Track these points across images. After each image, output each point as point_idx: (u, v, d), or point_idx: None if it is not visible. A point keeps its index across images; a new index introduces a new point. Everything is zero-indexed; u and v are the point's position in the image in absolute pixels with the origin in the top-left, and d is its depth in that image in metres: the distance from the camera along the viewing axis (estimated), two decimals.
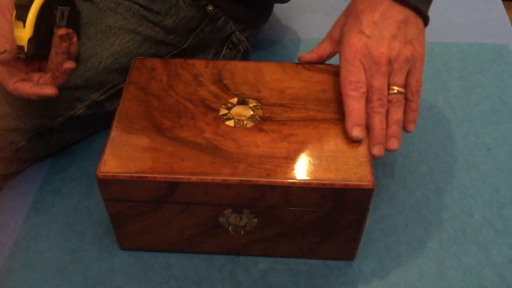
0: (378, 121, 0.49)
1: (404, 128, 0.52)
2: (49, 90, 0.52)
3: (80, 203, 0.60)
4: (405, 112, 0.51)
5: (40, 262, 0.55)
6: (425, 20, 0.51)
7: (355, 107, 0.49)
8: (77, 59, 0.60)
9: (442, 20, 0.86)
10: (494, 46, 0.80)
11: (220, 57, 0.71)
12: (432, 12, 0.86)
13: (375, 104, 0.49)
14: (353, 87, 0.49)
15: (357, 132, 0.49)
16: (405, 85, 0.50)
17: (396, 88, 0.49)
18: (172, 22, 0.64)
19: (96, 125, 0.66)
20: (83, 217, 0.59)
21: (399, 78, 0.49)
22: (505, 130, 0.68)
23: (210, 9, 0.65)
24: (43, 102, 0.59)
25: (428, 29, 0.84)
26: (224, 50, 0.71)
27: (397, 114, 0.50)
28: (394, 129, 0.50)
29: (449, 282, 0.53)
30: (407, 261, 0.55)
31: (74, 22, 0.58)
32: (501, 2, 0.89)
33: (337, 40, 0.53)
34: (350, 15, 0.51)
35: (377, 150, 0.49)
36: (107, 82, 0.62)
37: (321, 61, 0.56)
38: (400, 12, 0.49)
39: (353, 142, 0.49)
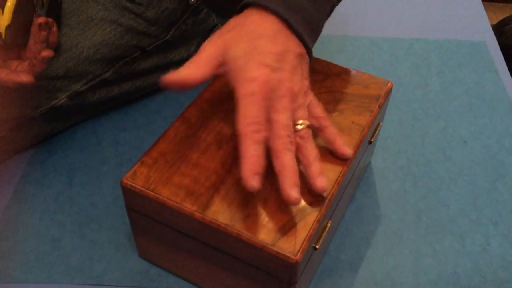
0: (291, 159, 0.41)
1: (341, 154, 0.47)
2: (25, 78, 0.51)
3: (61, 193, 0.60)
4: (332, 141, 0.47)
5: (21, 251, 0.55)
6: (310, 61, 0.48)
7: (255, 152, 0.40)
8: (58, 49, 0.60)
9: (422, 17, 0.87)
10: (472, 43, 0.82)
11: None
12: (413, 9, 0.88)
13: (285, 141, 0.41)
14: (255, 129, 0.41)
15: (255, 182, 0.40)
16: (313, 117, 0.46)
17: (303, 121, 0.44)
18: (154, 13, 0.64)
19: (78, 116, 0.66)
20: (63, 206, 0.59)
21: (303, 112, 0.44)
22: (482, 124, 0.69)
23: (192, 1, 0.66)
24: (23, 92, 0.59)
25: (408, 25, 0.86)
26: None
27: (313, 149, 0.44)
28: (317, 165, 0.43)
29: (424, 270, 0.54)
30: (384, 250, 0.56)
31: (55, 12, 0.58)
32: (479, 0, 0.91)
33: (220, 61, 0.44)
34: (242, 38, 0.44)
35: (296, 192, 0.41)
36: (89, 72, 0.62)
37: (199, 85, 0.44)
38: (298, 46, 0.45)
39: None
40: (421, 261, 0.55)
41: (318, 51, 0.79)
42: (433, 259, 0.55)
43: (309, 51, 0.47)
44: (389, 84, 0.55)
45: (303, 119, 0.44)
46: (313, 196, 0.45)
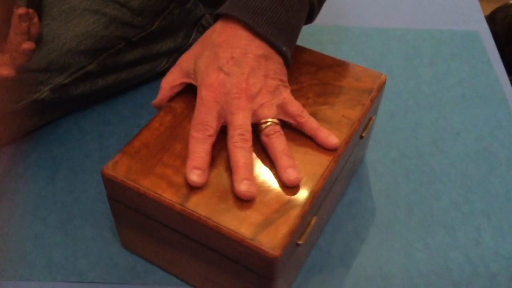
0: (241, 156, 0.44)
1: (327, 147, 0.47)
2: (5, 71, 0.50)
3: (44, 188, 0.58)
4: (314, 136, 0.47)
5: (2, 248, 0.53)
6: (286, 61, 0.48)
7: (197, 148, 0.44)
8: (40, 40, 0.58)
9: (414, 7, 0.86)
10: (465, 33, 0.81)
11: (190, 41, 0.70)
12: None
13: (236, 139, 0.44)
14: (199, 128, 0.44)
15: (194, 176, 0.43)
16: (289, 116, 0.47)
17: (269, 120, 0.46)
18: (139, 3, 0.62)
19: (61, 109, 0.64)
20: (46, 202, 0.57)
21: (268, 110, 0.46)
22: (474, 115, 0.68)
23: None
24: (5, 85, 0.57)
25: (400, 15, 0.85)
26: (194, 33, 0.70)
27: (280, 145, 0.45)
28: (285, 159, 0.45)
29: (416, 264, 0.53)
30: (375, 244, 0.55)
31: (36, 2, 0.57)
32: None
33: (188, 71, 0.49)
34: (207, 47, 0.47)
35: (245, 186, 0.42)
36: (72, 64, 0.60)
37: (174, 93, 0.51)
38: (259, 48, 0.46)
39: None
40: (412, 255, 0.54)
41: (309, 41, 0.78)
42: (425, 253, 0.54)
43: (279, 51, 0.47)
44: (382, 77, 0.54)
45: (269, 117, 0.46)
46: (297, 191, 0.44)
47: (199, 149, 0.44)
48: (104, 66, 0.63)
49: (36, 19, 0.54)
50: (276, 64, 0.47)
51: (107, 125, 0.65)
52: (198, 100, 0.46)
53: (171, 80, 0.50)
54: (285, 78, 0.48)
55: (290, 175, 0.44)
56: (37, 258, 0.53)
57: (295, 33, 0.49)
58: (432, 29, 0.81)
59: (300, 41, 0.77)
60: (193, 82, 0.49)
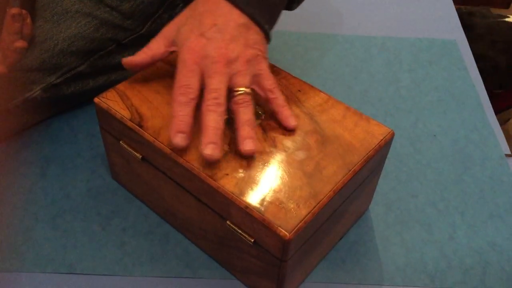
0: (211, 119, 0.45)
1: (285, 126, 0.49)
2: None
3: (35, 184, 0.60)
4: (276, 113, 0.49)
5: None
6: (266, 35, 0.51)
7: (180, 112, 0.46)
8: (33, 41, 0.60)
9: (394, 16, 0.89)
10: (443, 41, 0.84)
11: None
12: (385, 8, 0.90)
13: (209, 103, 0.46)
14: (182, 92, 0.46)
15: (179, 139, 0.45)
16: (261, 88, 0.49)
17: (241, 89, 0.47)
18: (130, 7, 0.64)
19: (53, 108, 0.66)
20: (37, 197, 0.59)
21: (243, 79, 0.48)
22: (450, 119, 0.71)
23: None
24: None
25: (381, 23, 0.88)
26: None
27: (245, 115, 0.47)
28: (246, 129, 0.46)
29: (392, 258, 0.56)
30: (353, 239, 0.57)
31: (29, 4, 0.59)
32: (450, 0, 0.93)
33: (172, 39, 0.50)
34: (190, 16, 0.50)
35: (210, 150, 0.44)
36: (64, 65, 0.62)
37: (153, 62, 0.52)
38: (241, 17, 0.48)
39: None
40: (389, 249, 0.57)
41: (294, 48, 0.81)
42: (401, 247, 0.57)
43: (259, 25, 0.50)
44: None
45: (242, 86, 0.47)
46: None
47: (182, 113, 0.46)
48: (95, 67, 0.65)
49: (29, 20, 0.56)
50: (256, 35, 0.49)
51: (97, 125, 0.67)
52: (180, 63, 0.47)
53: (155, 48, 0.51)
54: (264, 49, 0.50)
55: (247, 145, 0.46)
56: (28, 251, 0.54)
57: (275, 12, 0.52)
58: (411, 38, 0.85)
59: (285, 48, 0.80)
60: (175, 49, 0.50)
